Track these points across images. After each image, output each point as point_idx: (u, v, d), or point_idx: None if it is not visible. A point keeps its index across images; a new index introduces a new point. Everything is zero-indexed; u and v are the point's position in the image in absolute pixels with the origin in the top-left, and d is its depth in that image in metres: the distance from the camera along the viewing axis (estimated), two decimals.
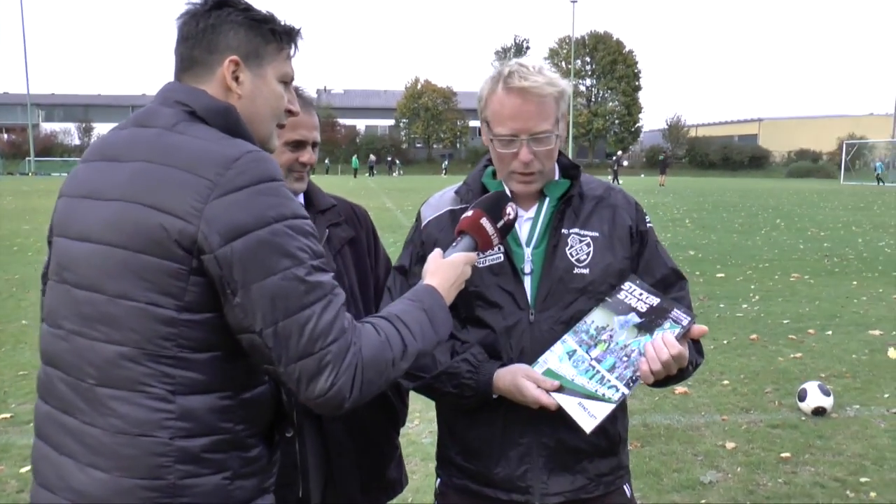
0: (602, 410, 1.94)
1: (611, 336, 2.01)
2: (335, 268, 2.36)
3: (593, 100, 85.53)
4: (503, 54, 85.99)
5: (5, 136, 77.11)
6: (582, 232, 2.15)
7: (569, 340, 2.04)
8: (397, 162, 73.59)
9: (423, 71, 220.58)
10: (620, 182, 47.78)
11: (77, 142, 78.85)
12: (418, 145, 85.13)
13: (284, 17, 1.78)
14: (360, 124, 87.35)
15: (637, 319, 2.01)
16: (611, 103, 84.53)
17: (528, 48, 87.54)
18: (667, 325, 1.98)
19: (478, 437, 2.17)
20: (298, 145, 2.33)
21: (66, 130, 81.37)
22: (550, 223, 2.16)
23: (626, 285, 2.07)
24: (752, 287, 10.99)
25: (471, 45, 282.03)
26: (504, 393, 2.06)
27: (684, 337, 1.98)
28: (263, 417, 1.69)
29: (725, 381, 6.63)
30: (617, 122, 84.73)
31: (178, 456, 1.53)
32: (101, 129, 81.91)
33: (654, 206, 26.86)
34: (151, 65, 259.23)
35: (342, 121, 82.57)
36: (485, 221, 1.94)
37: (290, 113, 1.82)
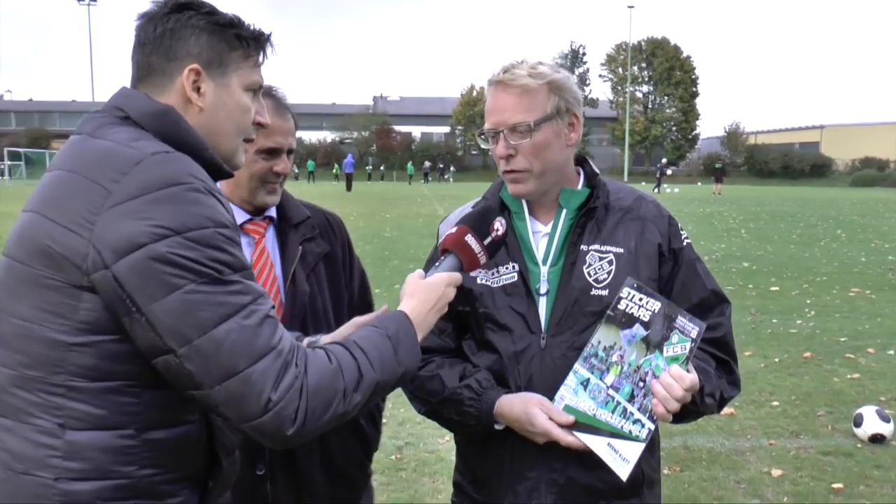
0: (633, 451, 1.81)
1: (621, 356, 1.86)
2: (307, 290, 2.23)
3: (650, 106, 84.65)
4: (560, 61, 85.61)
5: None
6: (603, 248, 1.98)
7: (580, 369, 1.89)
8: (451, 168, 73.73)
9: (479, 78, 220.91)
10: (664, 190, 46.99)
11: None
12: (474, 152, 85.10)
13: (252, 22, 1.65)
14: (416, 131, 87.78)
15: (643, 332, 1.86)
16: (668, 110, 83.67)
17: (584, 54, 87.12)
18: (674, 337, 1.82)
19: (487, 467, 2.05)
20: (272, 153, 2.18)
21: None
22: (568, 238, 2.00)
23: (625, 291, 1.89)
24: (808, 302, 10.57)
25: (527, 51, 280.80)
26: (511, 423, 1.92)
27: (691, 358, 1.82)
28: (186, 461, 1.52)
29: (775, 402, 6.31)
30: (674, 129, 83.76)
31: (63, 500, 1.38)
32: None
33: (710, 216, 26.39)
34: None
35: (398, 128, 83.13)
36: (470, 239, 1.78)
37: (259, 125, 1.68)
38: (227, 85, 1.58)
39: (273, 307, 1.47)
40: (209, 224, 1.39)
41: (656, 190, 47.82)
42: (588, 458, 1.87)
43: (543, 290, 1.98)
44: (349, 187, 46.32)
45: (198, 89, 1.55)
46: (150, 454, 1.45)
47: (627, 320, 1.86)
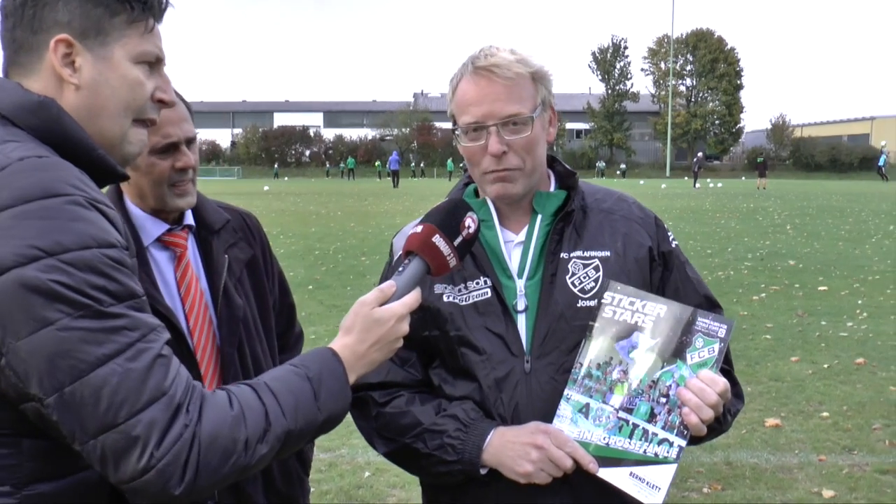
0: (663, 476, 1.59)
1: (624, 372, 1.65)
2: (240, 304, 2.01)
3: (692, 100, 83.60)
4: (601, 55, 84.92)
5: None
6: (587, 254, 1.79)
7: (573, 395, 1.68)
8: None
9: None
10: (698, 185, 46.22)
11: None
12: None
13: None
14: None
15: (648, 340, 1.64)
16: (711, 103, 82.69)
17: (625, 48, 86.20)
18: (699, 341, 1.61)
19: None
20: (167, 150, 1.91)
21: None
22: (546, 246, 1.79)
23: (607, 297, 1.70)
24: (860, 302, 10.01)
25: (567, 46, 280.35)
26: (501, 464, 1.68)
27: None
28: None
29: (825, 413, 5.89)
30: (717, 122, 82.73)
31: None
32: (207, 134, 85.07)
33: (753, 211, 25.76)
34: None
35: (438, 124, 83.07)
36: (438, 239, 1.56)
37: (161, 103, 1.43)
38: (109, 57, 1.34)
39: (168, 340, 1.25)
40: (91, 244, 1.18)
41: (696, 185, 47.08)
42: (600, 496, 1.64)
43: (521, 306, 1.77)
44: (396, 183, 46.47)
45: (72, 64, 1.32)
46: None
47: (620, 329, 1.67)
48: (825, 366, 7.08)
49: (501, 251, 1.80)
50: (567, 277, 1.76)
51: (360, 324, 1.47)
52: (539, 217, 1.81)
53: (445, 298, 1.78)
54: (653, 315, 1.65)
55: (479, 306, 1.76)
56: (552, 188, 1.88)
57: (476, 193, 1.89)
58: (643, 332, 1.64)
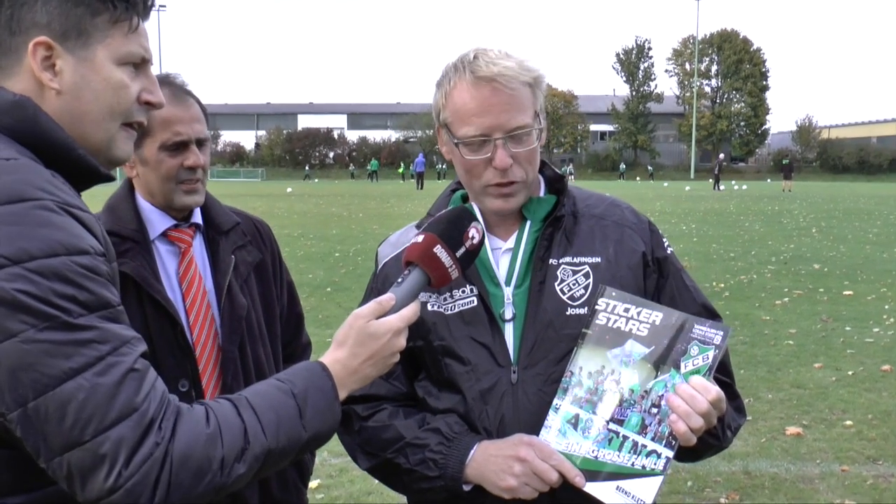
0: (649, 489, 1.52)
1: (616, 382, 1.58)
2: (244, 304, 2.02)
3: (718, 101, 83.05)
4: (625, 56, 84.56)
5: None
6: (576, 260, 1.73)
7: (563, 405, 1.61)
8: None
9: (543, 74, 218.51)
10: (722, 188, 45.73)
11: None
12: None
13: None
14: None
15: (642, 349, 1.57)
16: (736, 105, 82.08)
17: (650, 49, 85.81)
18: (693, 349, 1.54)
19: None
20: (177, 147, 1.95)
21: None
22: (534, 253, 1.74)
23: (601, 303, 1.63)
24: (886, 307, 9.82)
25: (591, 47, 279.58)
26: (484, 479, 1.61)
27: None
28: None
29: (848, 422, 5.75)
30: (742, 124, 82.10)
31: None
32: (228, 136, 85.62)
33: (779, 214, 25.46)
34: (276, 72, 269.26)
35: None
36: (439, 250, 1.51)
37: (149, 105, 1.37)
38: (92, 59, 1.29)
39: (144, 353, 1.20)
40: (60, 251, 1.13)
41: (717, 188, 46.57)
42: None
43: (509, 314, 1.71)
44: (420, 185, 46.59)
45: (52, 67, 1.27)
46: None
47: (614, 337, 1.60)
48: (850, 373, 6.94)
49: (489, 258, 1.74)
50: (556, 284, 1.70)
51: (353, 337, 1.42)
52: (528, 223, 1.76)
53: (430, 307, 1.73)
54: (648, 322, 1.58)
55: (465, 315, 1.71)
56: (542, 193, 1.83)
57: (463, 199, 1.84)
58: (637, 340, 1.58)
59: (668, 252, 1.81)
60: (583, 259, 1.73)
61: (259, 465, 1.27)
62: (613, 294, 1.63)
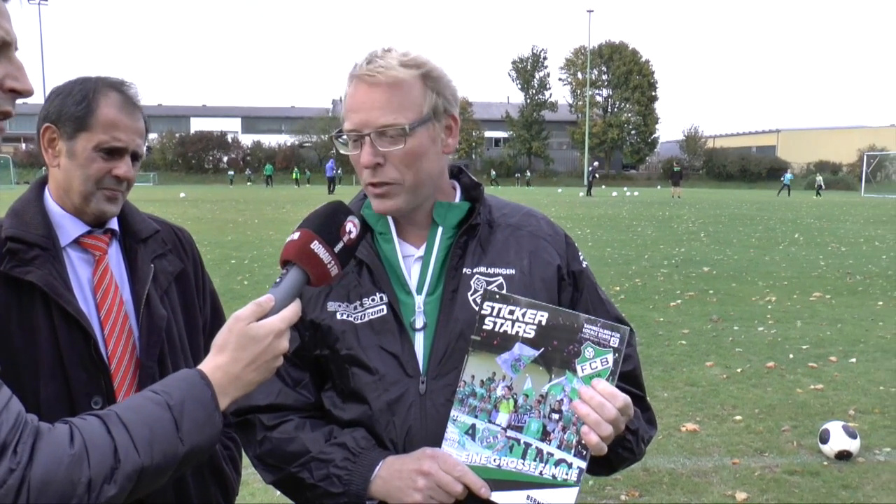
0: (565, 499, 1.47)
1: (509, 388, 1.51)
2: (164, 315, 1.90)
3: (609, 110, 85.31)
4: (521, 64, 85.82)
5: (23, 145, 77.18)
6: (490, 271, 1.67)
7: (459, 417, 1.54)
8: None
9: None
10: (592, 195, 46.82)
11: None
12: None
13: None
14: None
15: (531, 352, 1.51)
16: (626, 114, 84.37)
17: (545, 58, 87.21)
18: (588, 351, 1.48)
19: None
20: (113, 153, 1.83)
21: None
22: (447, 261, 1.67)
23: (486, 307, 1.55)
24: (770, 308, 10.35)
25: (487, 55, 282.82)
26: (389, 495, 1.56)
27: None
28: None
29: (738, 417, 6.03)
30: (633, 132, 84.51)
31: None
32: None
33: (669, 219, 26.33)
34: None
35: None
36: (317, 246, 1.44)
37: (14, 93, 1.22)
38: None
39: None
40: None
41: (587, 194, 47.08)
42: None
43: (420, 324, 1.65)
44: (331, 189, 46.19)
45: None
46: None
47: (502, 341, 1.53)
48: (738, 370, 7.26)
49: (400, 265, 1.68)
50: (469, 294, 1.64)
51: (234, 341, 1.34)
52: (440, 230, 1.69)
53: (339, 316, 1.67)
54: (534, 323, 1.51)
55: (375, 324, 1.64)
56: (457, 199, 1.77)
57: None
58: (525, 342, 1.52)
59: (584, 266, 1.78)
60: (497, 270, 1.68)
61: (132, 485, 1.19)
62: (497, 296, 1.56)
